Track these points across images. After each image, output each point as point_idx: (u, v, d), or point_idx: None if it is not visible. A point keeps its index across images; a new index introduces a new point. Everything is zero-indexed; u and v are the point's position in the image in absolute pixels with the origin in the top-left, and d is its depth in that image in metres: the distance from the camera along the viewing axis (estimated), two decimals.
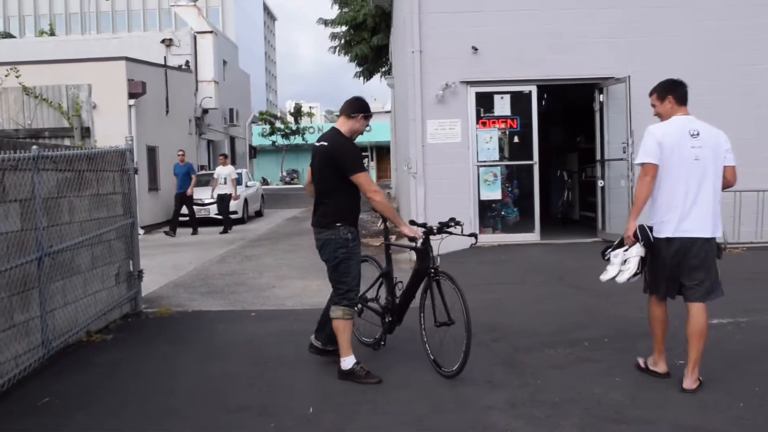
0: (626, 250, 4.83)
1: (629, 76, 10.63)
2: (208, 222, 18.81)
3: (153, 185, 19.43)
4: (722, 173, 4.79)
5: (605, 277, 4.99)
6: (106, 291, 7.01)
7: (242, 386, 5.15)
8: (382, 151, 54.56)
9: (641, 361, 5.23)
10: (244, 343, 6.39)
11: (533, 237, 11.46)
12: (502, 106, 11.40)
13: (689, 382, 4.74)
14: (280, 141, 54.10)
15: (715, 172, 4.75)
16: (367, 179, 5.08)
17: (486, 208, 11.62)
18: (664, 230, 4.78)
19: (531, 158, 11.44)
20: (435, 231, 5.33)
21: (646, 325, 5.17)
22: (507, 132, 11.61)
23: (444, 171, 11.12)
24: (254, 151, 35.80)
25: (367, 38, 25.65)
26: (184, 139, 23.08)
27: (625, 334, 6.20)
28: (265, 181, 54.80)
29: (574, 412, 4.43)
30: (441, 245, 5.29)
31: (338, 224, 5.07)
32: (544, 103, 14.25)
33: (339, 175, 5.04)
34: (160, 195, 19.63)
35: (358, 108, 5.21)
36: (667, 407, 4.48)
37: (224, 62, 29.05)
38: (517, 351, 5.81)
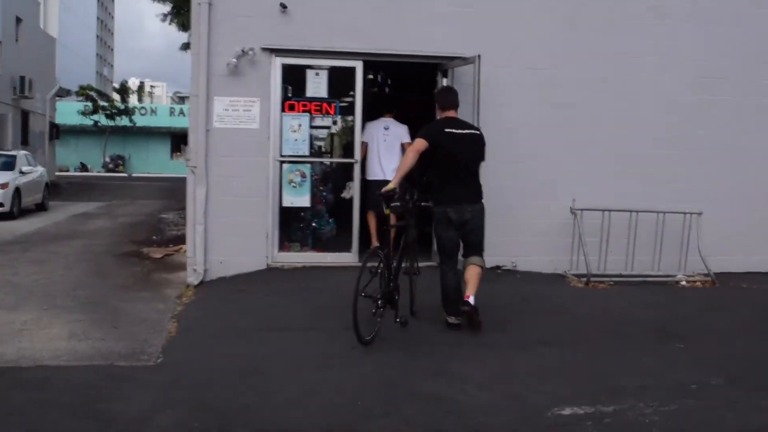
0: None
1: (479, 56, 8.87)
2: None
3: None
4: (400, 147, 9.28)
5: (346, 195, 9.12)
6: None
7: None
8: None
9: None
10: None
11: (350, 258, 9.36)
12: (317, 85, 9.35)
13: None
14: (104, 121, 49.79)
15: (396, 147, 9.35)
16: None
17: (292, 218, 9.54)
18: (373, 175, 9.29)
19: (351, 155, 9.47)
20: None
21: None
22: (323, 119, 9.62)
23: (235, 166, 8.95)
24: (57, 131, 31.89)
25: None
26: None
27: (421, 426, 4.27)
28: (84, 167, 50.58)
29: None
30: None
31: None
32: (377, 87, 12.39)
33: None
34: None
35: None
36: None
37: (18, 19, 25.83)
38: None
